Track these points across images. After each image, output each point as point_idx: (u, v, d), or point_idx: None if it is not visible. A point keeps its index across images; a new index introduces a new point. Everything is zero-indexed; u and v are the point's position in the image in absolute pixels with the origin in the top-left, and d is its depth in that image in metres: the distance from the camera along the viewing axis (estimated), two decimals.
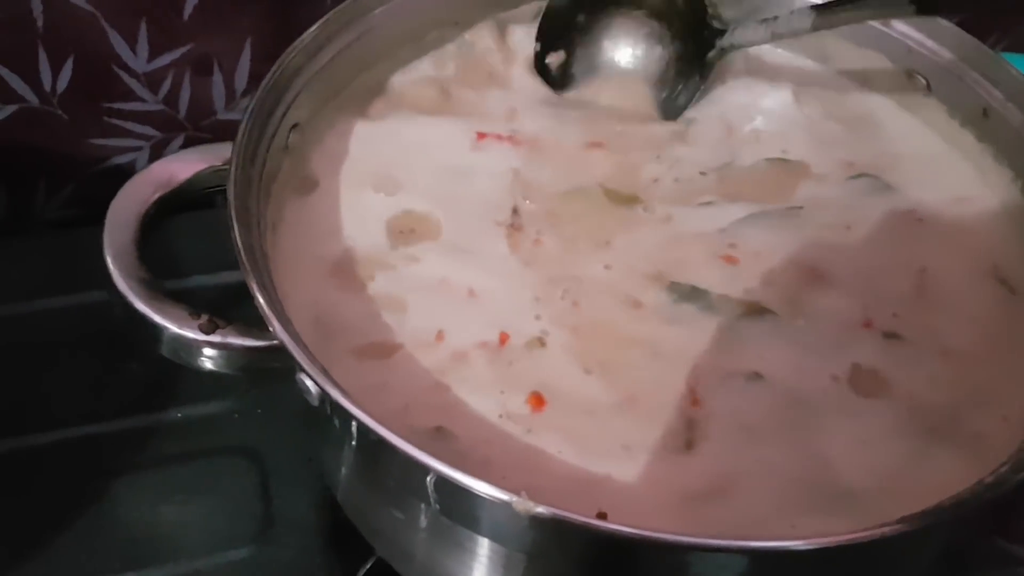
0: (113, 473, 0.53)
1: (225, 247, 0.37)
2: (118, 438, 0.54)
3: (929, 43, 0.49)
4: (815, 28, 0.47)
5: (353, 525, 0.46)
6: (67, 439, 0.54)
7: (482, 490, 0.30)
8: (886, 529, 0.30)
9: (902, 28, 0.50)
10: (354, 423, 0.32)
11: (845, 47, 0.52)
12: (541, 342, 0.41)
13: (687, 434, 0.38)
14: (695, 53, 0.51)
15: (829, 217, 0.45)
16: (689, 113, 0.51)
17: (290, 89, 0.44)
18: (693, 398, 0.40)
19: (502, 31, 0.53)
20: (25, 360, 0.57)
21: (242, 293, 0.37)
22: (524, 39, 0.53)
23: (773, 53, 0.53)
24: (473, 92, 0.50)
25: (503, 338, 0.41)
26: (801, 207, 0.46)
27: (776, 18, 0.49)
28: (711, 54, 0.50)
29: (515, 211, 0.45)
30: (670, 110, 0.51)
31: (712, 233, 0.45)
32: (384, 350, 0.41)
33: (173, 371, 0.56)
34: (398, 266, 0.44)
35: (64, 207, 0.69)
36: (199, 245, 0.60)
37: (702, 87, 0.51)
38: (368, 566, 0.47)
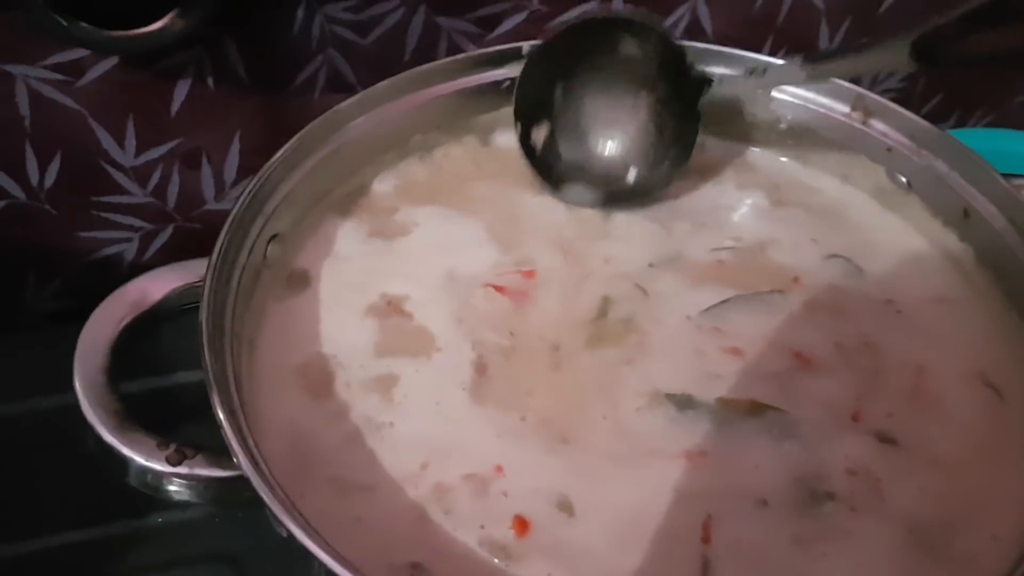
0: None
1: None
2: (99, 546, 0.53)
3: (909, 143, 0.49)
4: (809, 79, 0.47)
5: None
6: (48, 547, 0.53)
7: None
8: None
9: (881, 127, 0.50)
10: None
11: (825, 146, 0.52)
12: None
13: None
14: (681, 110, 0.50)
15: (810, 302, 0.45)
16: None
17: (270, 201, 0.45)
18: (705, 534, 0.38)
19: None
20: (9, 463, 0.56)
21: None
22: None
23: (752, 152, 0.53)
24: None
25: (498, 469, 0.40)
26: (781, 291, 0.46)
27: (765, 71, 0.49)
28: (702, 100, 0.49)
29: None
30: (657, 179, 0.51)
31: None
32: (363, 482, 0.40)
33: None
34: (383, 384, 0.43)
35: (54, 299, 0.69)
36: (182, 342, 0.59)
37: (697, 140, 0.50)
38: None
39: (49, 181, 0.63)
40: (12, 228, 0.65)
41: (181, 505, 0.54)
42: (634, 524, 0.38)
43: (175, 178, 0.66)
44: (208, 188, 0.67)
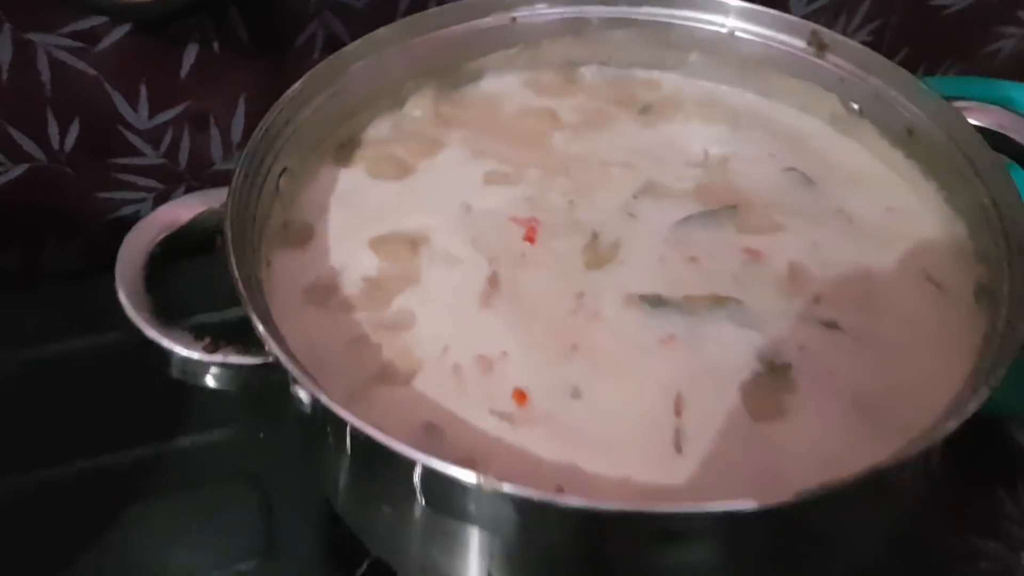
0: (127, 499, 0.56)
1: (226, 287, 0.41)
2: (130, 467, 0.58)
3: (860, 72, 0.54)
4: None
5: (351, 534, 0.50)
6: (83, 470, 0.58)
7: (450, 473, 0.35)
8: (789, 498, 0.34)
9: (834, 59, 0.55)
10: (342, 426, 0.37)
11: (784, 80, 0.57)
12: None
13: (676, 440, 0.42)
14: None
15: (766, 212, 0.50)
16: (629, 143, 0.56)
17: (279, 139, 0.49)
18: (677, 408, 0.43)
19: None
20: (42, 400, 0.61)
21: (243, 328, 0.42)
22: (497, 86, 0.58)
23: (717, 89, 0.58)
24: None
25: (504, 354, 0.45)
26: (735, 206, 0.51)
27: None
28: None
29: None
30: None
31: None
32: (374, 377, 0.45)
33: (180, 404, 0.61)
34: (388, 296, 0.48)
35: (73, 258, 0.73)
36: (202, 288, 0.64)
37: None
38: (364, 567, 0.51)
39: (69, 144, 0.68)
40: (35, 190, 0.69)
41: (209, 426, 0.59)
42: (618, 401, 0.43)
43: (185, 140, 0.70)
44: (216, 149, 0.72)
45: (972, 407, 0.37)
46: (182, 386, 0.61)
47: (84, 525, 0.55)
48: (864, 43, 0.83)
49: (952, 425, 0.37)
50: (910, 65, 0.86)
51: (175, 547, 0.55)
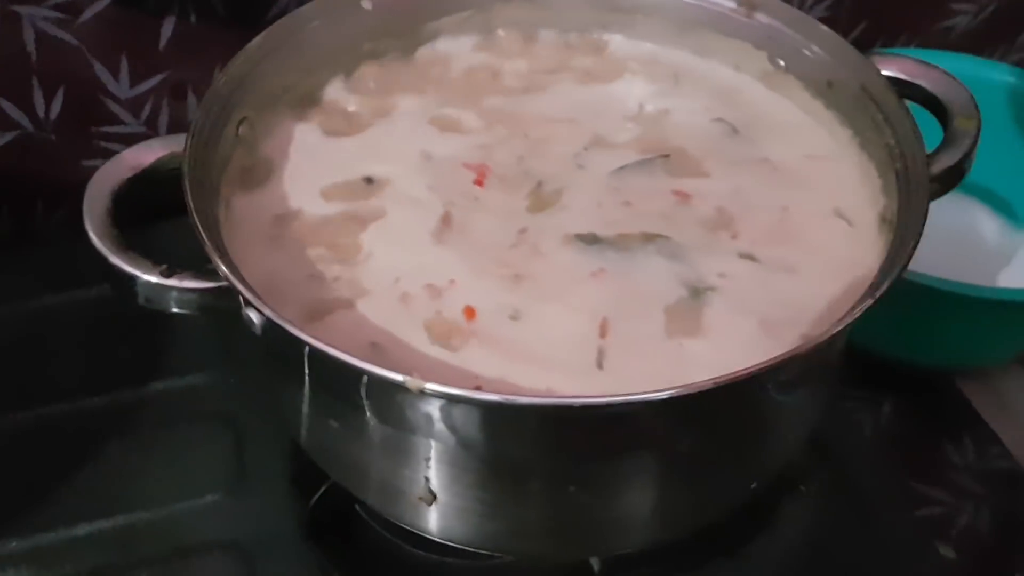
0: (107, 437, 0.61)
1: (196, 252, 0.44)
2: (111, 409, 0.62)
3: (785, 29, 0.58)
4: None
5: (315, 467, 0.54)
6: (68, 410, 0.62)
7: (380, 374, 0.38)
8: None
9: (763, 18, 0.59)
10: (293, 345, 0.40)
11: (719, 39, 0.60)
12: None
13: (598, 359, 0.46)
14: None
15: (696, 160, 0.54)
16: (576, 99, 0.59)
17: (239, 90, 0.53)
18: (602, 331, 0.47)
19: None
20: (30, 349, 0.65)
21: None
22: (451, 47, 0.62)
23: (656, 50, 0.62)
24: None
25: (452, 282, 0.49)
26: (668, 155, 0.55)
27: None
28: None
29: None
30: None
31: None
32: (326, 306, 0.48)
33: (156, 351, 0.65)
34: (343, 235, 0.51)
35: (61, 222, 0.77)
36: (179, 249, 0.68)
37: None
38: (322, 490, 0.54)
39: (54, 112, 0.71)
40: (22, 157, 0.73)
41: (183, 372, 0.63)
42: (551, 324, 0.47)
43: (164, 109, 0.74)
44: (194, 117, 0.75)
45: (857, 313, 0.41)
46: (159, 336, 0.66)
47: (63, 461, 0.59)
48: (822, 18, 0.88)
49: (836, 330, 0.41)
50: (867, 39, 0.90)
51: (149, 480, 0.59)
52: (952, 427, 0.70)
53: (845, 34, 0.89)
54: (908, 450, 0.70)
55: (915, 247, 0.43)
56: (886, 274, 0.42)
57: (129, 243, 0.46)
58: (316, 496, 0.55)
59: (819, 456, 0.61)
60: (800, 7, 0.85)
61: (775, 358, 0.39)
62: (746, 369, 0.38)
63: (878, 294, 0.41)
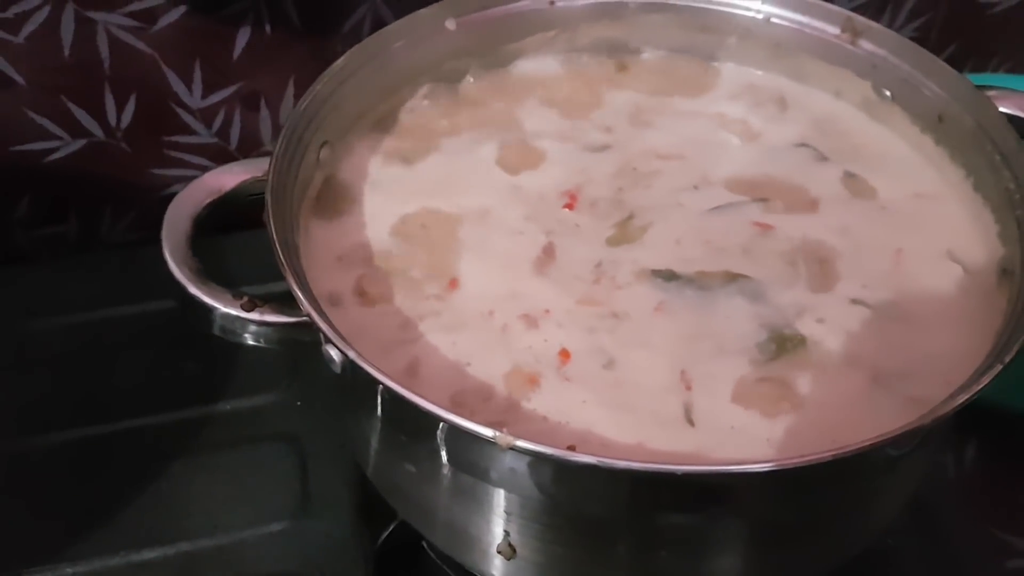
0: (171, 457, 0.59)
1: (269, 263, 0.42)
2: (175, 427, 0.61)
3: (892, 59, 0.55)
4: None
5: (381, 498, 0.52)
6: (132, 428, 0.61)
7: (467, 427, 0.36)
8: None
9: (867, 46, 0.56)
10: (371, 385, 0.38)
11: (818, 65, 0.57)
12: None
13: (686, 413, 0.44)
14: None
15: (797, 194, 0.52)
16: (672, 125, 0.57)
17: (320, 112, 0.51)
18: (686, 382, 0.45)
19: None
20: (95, 361, 0.64)
21: (284, 297, 0.44)
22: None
23: (756, 74, 0.59)
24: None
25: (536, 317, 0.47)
26: (767, 199, 0.52)
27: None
28: None
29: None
30: None
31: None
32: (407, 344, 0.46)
33: (223, 369, 0.64)
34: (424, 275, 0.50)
35: (127, 231, 0.76)
36: (248, 262, 0.66)
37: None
38: (391, 528, 0.52)
39: (125, 121, 0.70)
40: (92, 164, 0.72)
41: (250, 392, 0.62)
42: (638, 370, 0.45)
43: (237, 120, 0.72)
44: (266, 129, 0.74)
45: (984, 382, 0.38)
46: (226, 353, 0.65)
47: (129, 480, 0.58)
48: (911, 39, 0.84)
49: (962, 400, 0.38)
50: (957, 62, 0.87)
51: (212, 504, 0.57)
52: None
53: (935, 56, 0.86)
54: (994, 495, 0.67)
55: None
56: (1013, 338, 0.39)
57: (207, 269, 0.44)
58: (385, 533, 0.53)
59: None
60: (890, 25, 0.82)
61: (901, 428, 0.36)
62: (871, 439, 0.35)
63: (1007, 359, 0.38)
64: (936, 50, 0.84)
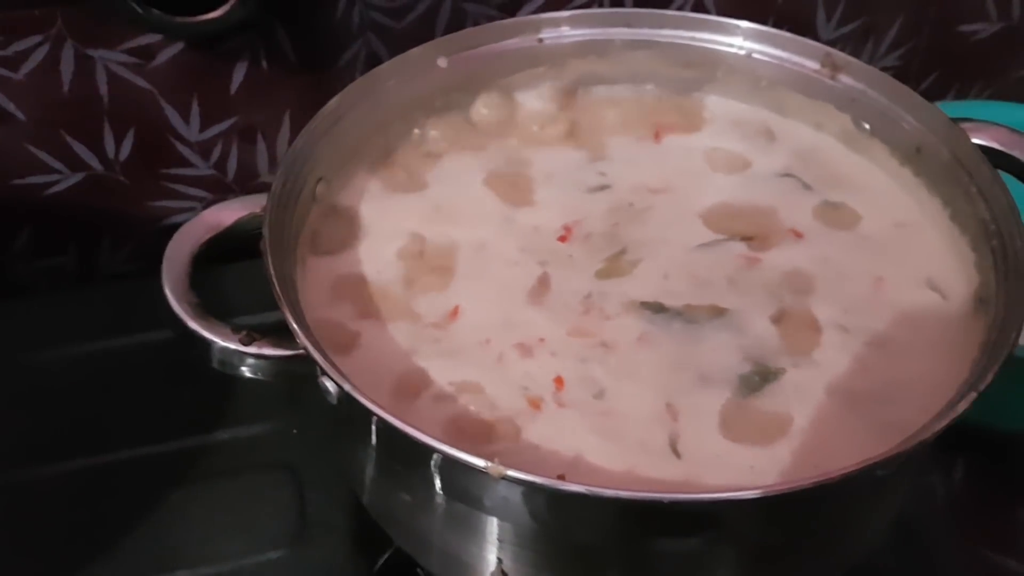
0: (169, 486, 0.60)
1: (265, 293, 0.44)
2: (174, 456, 0.62)
3: (870, 92, 0.56)
4: None
5: (377, 525, 0.53)
6: (130, 458, 0.62)
7: (460, 458, 0.37)
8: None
9: (846, 80, 0.57)
10: (365, 415, 0.40)
11: (799, 99, 0.59)
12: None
13: (672, 442, 0.45)
14: None
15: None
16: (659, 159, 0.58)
17: (316, 149, 0.52)
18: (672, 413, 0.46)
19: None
20: (94, 391, 0.65)
21: (280, 327, 0.45)
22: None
23: (740, 107, 0.60)
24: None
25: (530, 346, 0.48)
26: (752, 237, 0.53)
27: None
28: None
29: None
30: None
31: None
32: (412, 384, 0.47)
33: (220, 399, 0.65)
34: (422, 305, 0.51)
35: (126, 262, 0.77)
36: (244, 292, 0.67)
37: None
38: (387, 555, 0.53)
39: (124, 154, 0.71)
40: (90, 197, 0.73)
41: (247, 421, 0.63)
42: (626, 399, 0.46)
43: (234, 152, 0.74)
44: (262, 162, 0.75)
45: (961, 409, 0.39)
46: (223, 383, 0.66)
47: (128, 509, 0.59)
48: (894, 67, 0.86)
49: (941, 426, 0.39)
50: (941, 89, 0.88)
51: (211, 532, 0.58)
52: None
53: (917, 83, 0.88)
54: (983, 516, 0.68)
55: (1017, 338, 0.41)
56: (989, 365, 0.40)
57: (204, 304, 0.45)
58: (381, 561, 0.54)
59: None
60: (873, 55, 0.84)
61: (883, 454, 0.37)
62: (853, 466, 0.37)
63: (982, 387, 0.40)
64: (919, 78, 0.87)
